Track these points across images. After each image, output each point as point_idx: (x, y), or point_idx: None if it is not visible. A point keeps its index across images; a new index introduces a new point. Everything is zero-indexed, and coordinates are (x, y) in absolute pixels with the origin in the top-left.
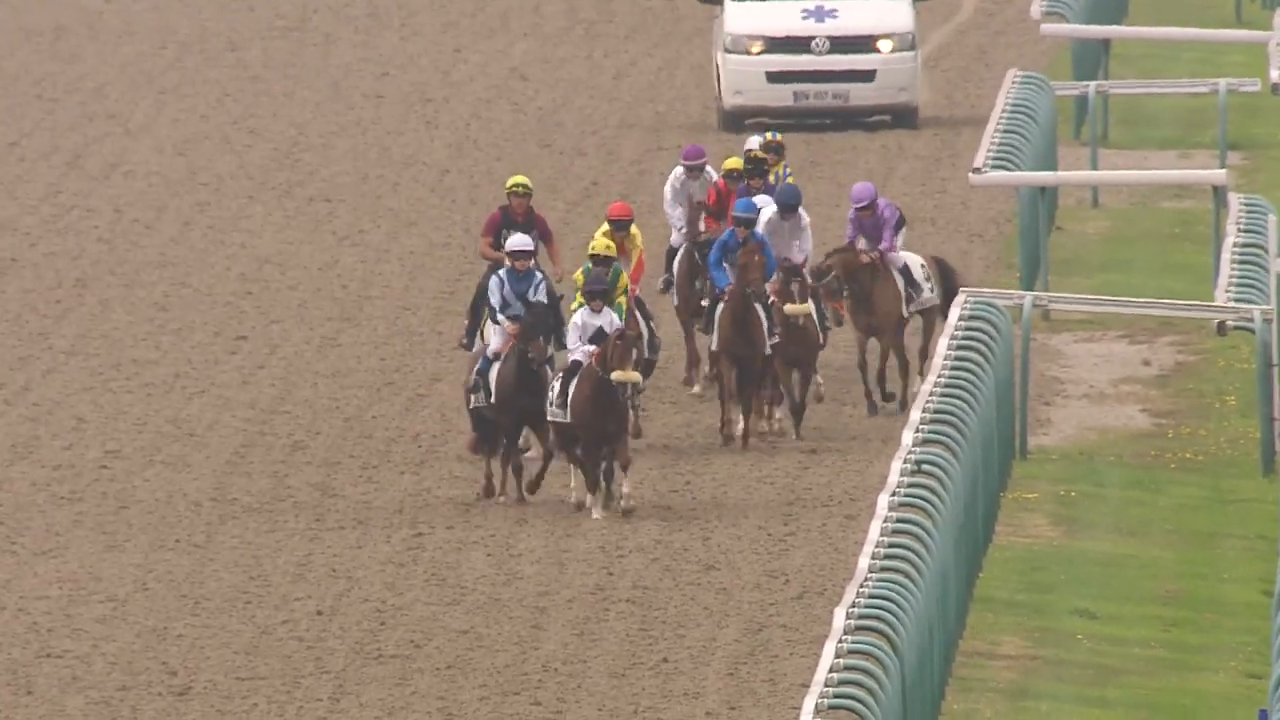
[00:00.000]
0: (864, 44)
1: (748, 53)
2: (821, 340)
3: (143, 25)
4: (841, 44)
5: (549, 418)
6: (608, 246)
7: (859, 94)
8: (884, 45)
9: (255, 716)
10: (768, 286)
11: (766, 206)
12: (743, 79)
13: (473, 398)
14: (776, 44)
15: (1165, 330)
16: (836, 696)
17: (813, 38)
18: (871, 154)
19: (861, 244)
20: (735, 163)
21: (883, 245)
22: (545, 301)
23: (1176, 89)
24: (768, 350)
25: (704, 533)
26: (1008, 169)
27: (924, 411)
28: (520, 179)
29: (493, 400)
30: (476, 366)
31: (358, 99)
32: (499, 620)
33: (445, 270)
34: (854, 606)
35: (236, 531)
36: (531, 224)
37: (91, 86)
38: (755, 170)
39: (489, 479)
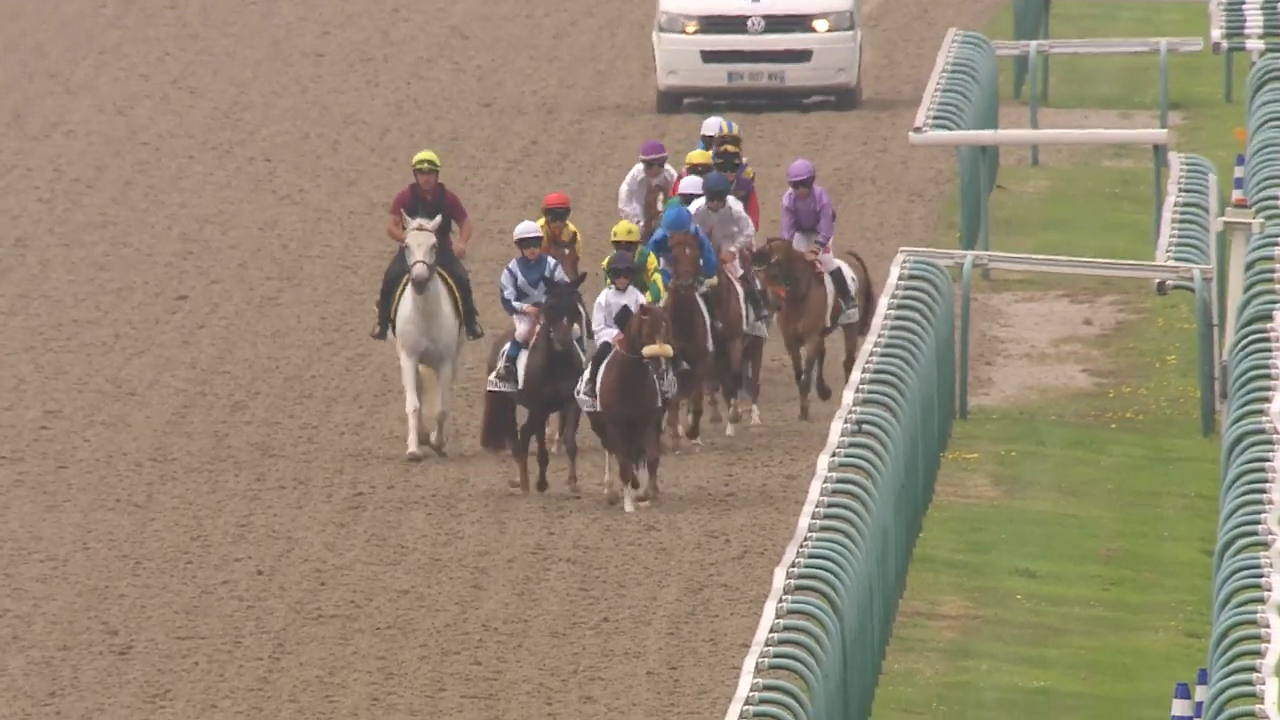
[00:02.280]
0: (800, 23)
1: (683, 32)
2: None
3: None
4: (777, 23)
5: (582, 407)
6: (630, 231)
7: (795, 74)
8: (820, 25)
9: (196, 675)
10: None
11: (698, 198)
12: (677, 58)
13: (493, 379)
14: (712, 23)
15: (1106, 290)
16: (777, 656)
17: (748, 17)
18: (812, 115)
19: (798, 243)
20: (699, 156)
21: (821, 236)
22: (567, 280)
23: (1117, 48)
24: (710, 346)
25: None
26: (948, 128)
27: (864, 371)
28: (426, 155)
29: (520, 387)
30: (504, 350)
31: (297, 58)
32: (439, 580)
33: (386, 229)
34: (794, 566)
35: (177, 491)
36: (441, 201)
37: (31, 45)
38: (726, 165)
39: (524, 474)
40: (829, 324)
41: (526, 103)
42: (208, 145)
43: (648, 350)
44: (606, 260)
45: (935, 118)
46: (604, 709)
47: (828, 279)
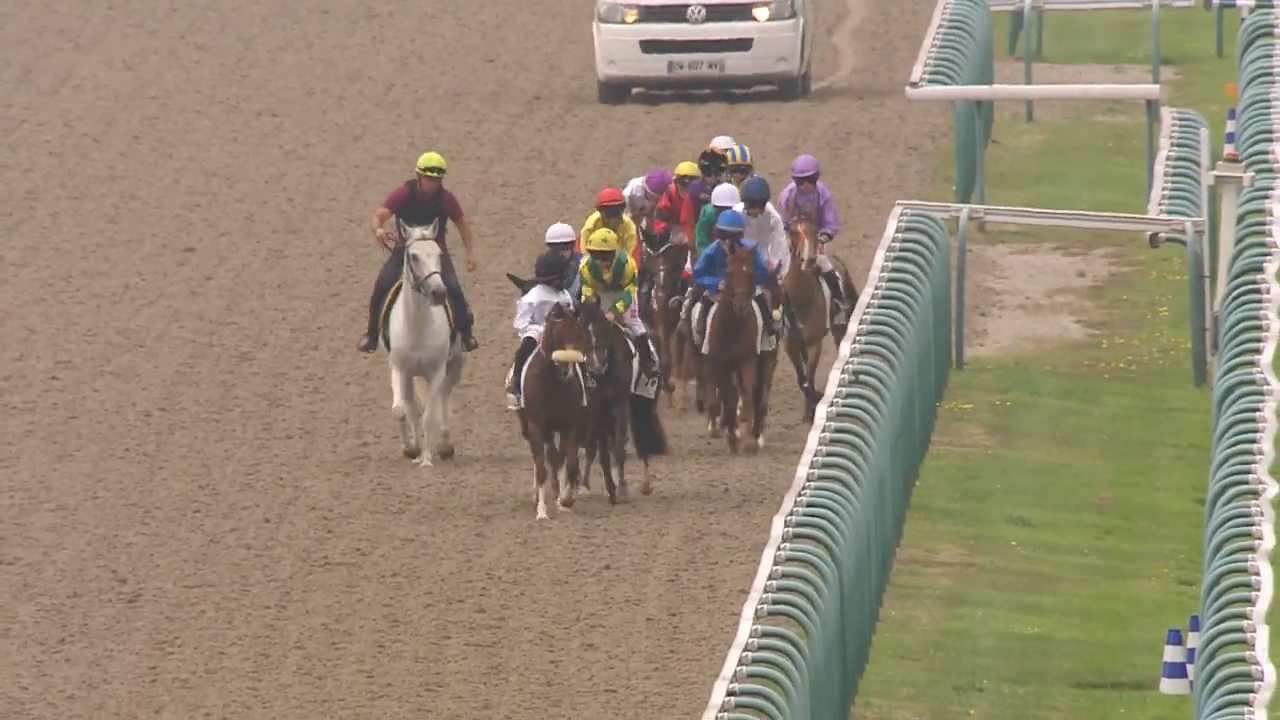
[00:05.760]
0: (740, 12)
1: (623, 22)
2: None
3: None
4: (718, 12)
5: (507, 404)
6: (605, 240)
7: (735, 63)
8: (760, 14)
9: (204, 623)
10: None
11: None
12: (617, 48)
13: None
14: (651, 13)
15: (1099, 242)
16: (775, 603)
17: (688, 6)
18: None
19: (804, 250)
20: (687, 168)
21: (830, 229)
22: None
23: (1110, 3)
24: (759, 349)
25: None
26: (944, 83)
27: (861, 323)
28: (433, 160)
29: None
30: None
31: (304, 13)
32: (443, 528)
33: (390, 184)
34: (793, 514)
35: (185, 441)
36: (439, 203)
37: (41, 1)
38: (711, 167)
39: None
40: (829, 325)
41: (530, 58)
42: (215, 100)
43: (556, 356)
44: (584, 265)
45: (931, 73)
46: (605, 655)
47: (823, 282)
